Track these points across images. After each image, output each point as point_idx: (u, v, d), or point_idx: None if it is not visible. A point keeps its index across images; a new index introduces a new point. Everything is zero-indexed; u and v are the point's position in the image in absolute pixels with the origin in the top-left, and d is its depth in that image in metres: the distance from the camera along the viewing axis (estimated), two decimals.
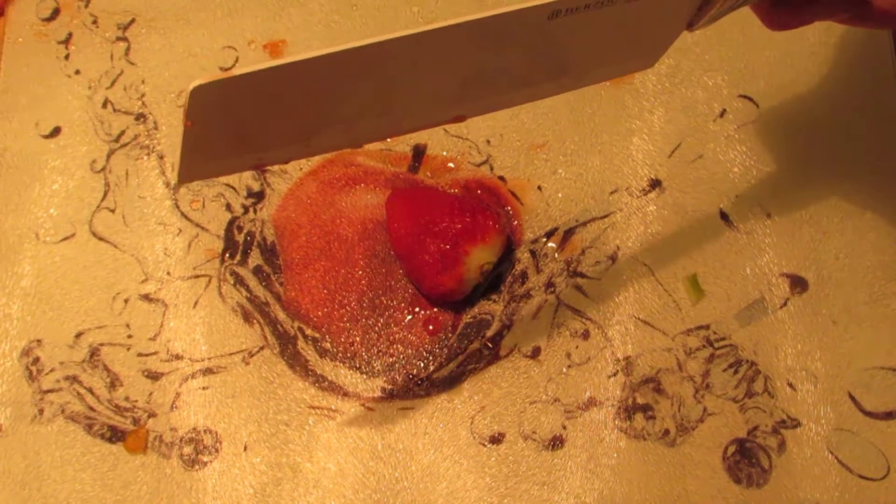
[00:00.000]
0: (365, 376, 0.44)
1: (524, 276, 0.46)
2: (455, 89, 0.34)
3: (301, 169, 0.48)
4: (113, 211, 0.48)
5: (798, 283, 0.44)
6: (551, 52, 0.35)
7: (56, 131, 0.50)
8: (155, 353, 0.45)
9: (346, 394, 0.44)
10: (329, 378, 0.44)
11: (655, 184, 0.47)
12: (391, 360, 0.44)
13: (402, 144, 0.49)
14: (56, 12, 0.53)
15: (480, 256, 0.43)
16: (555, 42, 0.34)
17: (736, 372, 0.43)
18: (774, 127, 0.47)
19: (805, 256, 0.45)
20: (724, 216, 0.46)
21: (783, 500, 0.41)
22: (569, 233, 0.46)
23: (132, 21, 0.52)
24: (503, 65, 0.34)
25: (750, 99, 0.48)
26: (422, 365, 0.44)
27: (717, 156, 0.47)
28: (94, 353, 0.45)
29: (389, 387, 0.44)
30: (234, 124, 0.31)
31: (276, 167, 0.48)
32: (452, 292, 0.43)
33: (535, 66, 0.35)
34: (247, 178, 0.48)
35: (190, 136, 0.30)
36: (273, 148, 0.34)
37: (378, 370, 0.44)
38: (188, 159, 0.32)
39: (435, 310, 0.45)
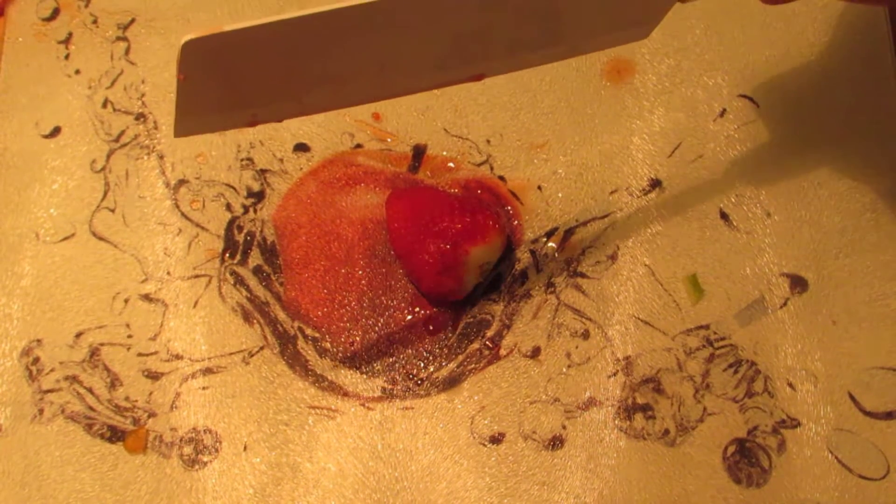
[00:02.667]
0: (365, 376, 0.44)
1: (524, 276, 0.46)
2: (445, 51, 0.34)
3: (301, 169, 0.48)
4: (113, 211, 0.48)
5: (798, 283, 0.44)
6: (542, 14, 0.35)
7: (56, 131, 0.50)
8: (155, 352, 0.45)
9: (345, 394, 0.44)
10: (329, 378, 0.44)
11: (655, 184, 0.47)
12: (391, 359, 0.44)
13: (403, 144, 0.49)
14: (56, 12, 0.53)
15: (480, 256, 0.43)
16: (546, 4, 0.34)
17: (736, 372, 0.43)
18: (775, 127, 0.47)
19: (805, 256, 0.45)
20: (724, 216, 0.46)
21: (783, 499, 0.41)
22: (569, 233, 0.46)
23: (132, 21, 0.52)
24: (494, 27, 0.34)
25: (750, 99, 0.48)
26: (422, 365, 0.44)
27: (718, 155, 0.47)
28: (94, 352, 0.45)
29: (389, 387, 0.44)
30: (227, 79, 0.32)
31: (276, 167, 0.48)
32: (452, 292, 0.43)
33: (525, 28, 0.35)
34: (247, 178, 0.48)
35: (183, 90, 0.31)
36: (266, 104, 0.34)
37: (378, 370, 0.44)
38: (182, 113, 0.32)
39: (435, 310, 0.45)
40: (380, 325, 0.45)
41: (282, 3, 0.52)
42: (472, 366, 0.44)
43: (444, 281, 0.43)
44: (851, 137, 0.47)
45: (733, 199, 0.46)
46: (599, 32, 0.37)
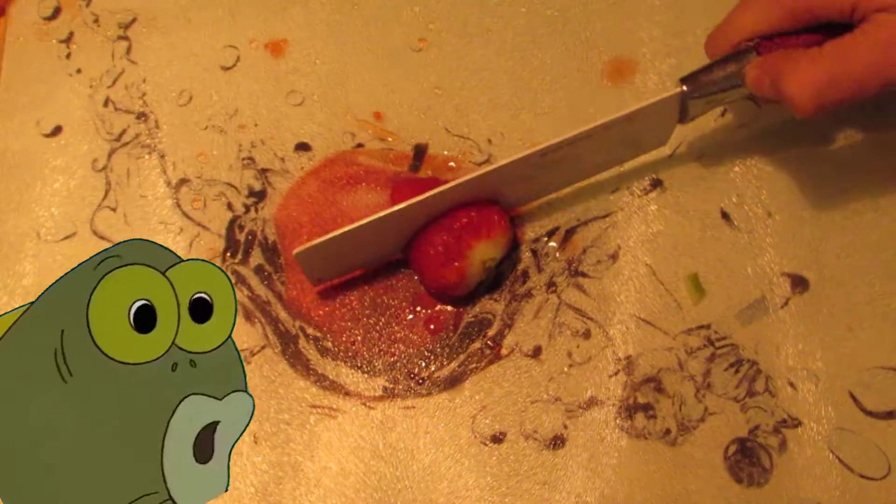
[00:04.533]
0: (366, 375, 0.44)
1: (525, 276, 0.46)
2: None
3: (302, 168, 0.48)
4: (114, 210, 0.48)
5: (799, 283, 0.44)
6: (558, 171, 0.44)
7: (57, 130, 0.50)
8: None
9: (347, 393, 0.44)
10: (330, 377, 0.44)
11: (657, 183, 0.47)
12: (392, 359, 0.44)
13: (404, 144, 0.49)
14: (57, 11, 0.53)
15: (484, 252, 0.43)
16: (557, 165, 0.43)
17: (737, 371, 0.43)
18: (775, 126, 0.47)
19: (806, 256, 0.45)
20: (725, 215, 0.46)
21: (784, 499, 0.41)
22: (570, 232, 0.46)
23: (133, 20, 0.52)
24: (516, 193, 0.45)
25: (751, 98, 0.48)
26: (423, 364, 0.44)
27: (719, 155, 0.47)
28: None
29: (391, 386, 0.44)
30: (335, 260, 0.43)
31: (277, 166, 0.48)
32: (454, 286, 0.43)
33: (553, 176, 0.44)
34: (248, 178, 0.48)
35: (305, 269, 0.43)
36: (362, 265, 0.45)
37: (379, 369, 0.44)
38: (308, 275, 0.44)
39: (437, 308, 0.45)
40: (381, 324, 0.45)
41: (284, 4, 0.52)
42: (474, 365, 0.44)
43: (447, 274, 0.43)
44: (852, 136, 0.47)
45: (734, 199, 0.46)
46: (614, 161, 0.47)
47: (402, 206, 0.41)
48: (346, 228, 0.41)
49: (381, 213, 0.41)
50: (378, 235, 0.42)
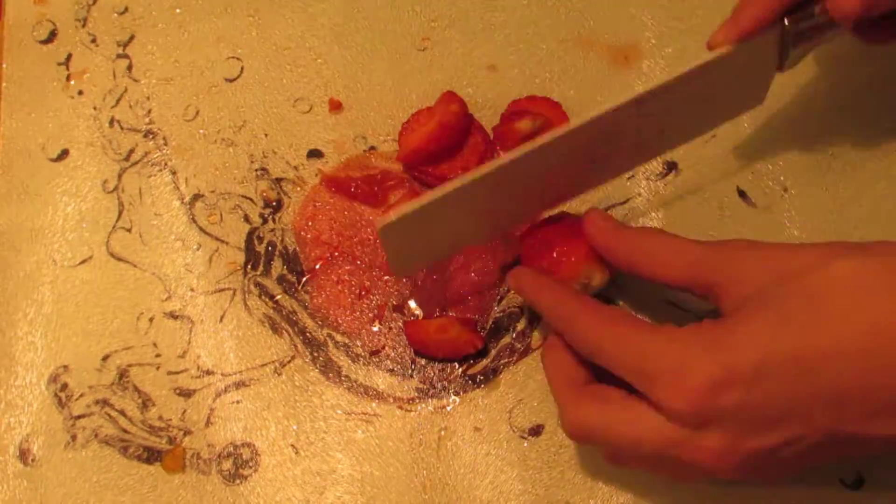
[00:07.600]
0: (399, 378, 0.44)
1: None
2: (585, 171, 0.41)
3: (317, 175, 0.48)
4: (129, 230, 0.47)
5: None
6: (655, 125, 0.40)
7: (64, 154, 0.49)
8: (185, 370, 0.45)
9: (381, 397, 0.44)
10: (363, 382, 0.44)
11: (671, 166, 0.47)
12: (424, 360, 0.44)
13: None
14: (53, 34, 0.52)
15: (589, 272, 0.41)
16: (653, 118, 0.40)
17: None
18: (788, 102, 0.48)
19: (825, 228, 0.45)
20: (741, 194, 0.46)
21: (784, 497, 0.41)
22: None
23: (131, 38, 0.52)
24: (614, 151, 0.41)
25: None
26: (455, 363, 0.44)
27: (731, 134, 0.47)
28: (122, 374, 0.45)
29: (424, 387, 0.44)
30: (420, 237, 0.39)
31: (291, 175, 0.48)
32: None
33: (643, 140, 0.41)
34: (262, 188, 0.48)
35: (388, 251, 0.40)
36: (452, 245, 0.43)
37: (411, 371, 0.44)
38: (393, 264, 0.41)
39: (462, 306, 0.45)
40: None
41: (284, 9, 0.52)
42: (506, 360, 0.44)
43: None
44: (864, 107, 0.47)
45: (749, 177, 0.47)
46: (711, 117, 0.43)
47: (517, 154, 0.37)
48: (447, 188, 0.37)
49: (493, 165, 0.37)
50: (477, 203, 0.39)
